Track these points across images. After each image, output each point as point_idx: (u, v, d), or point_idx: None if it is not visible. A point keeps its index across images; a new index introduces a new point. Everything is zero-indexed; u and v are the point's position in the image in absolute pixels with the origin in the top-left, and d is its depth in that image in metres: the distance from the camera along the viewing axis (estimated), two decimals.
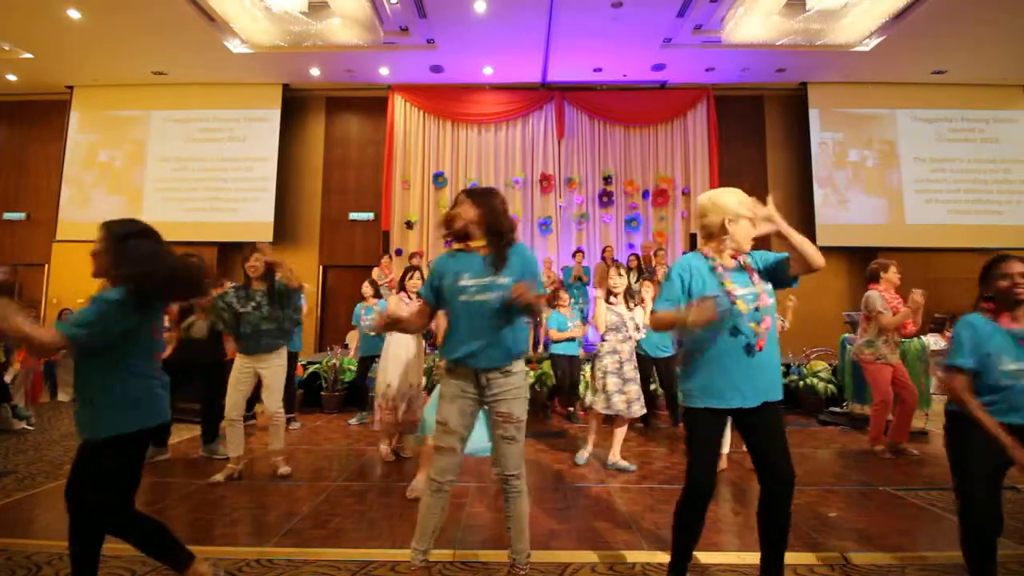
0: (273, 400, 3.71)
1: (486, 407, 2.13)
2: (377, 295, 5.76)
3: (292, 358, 5.58)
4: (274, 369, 3.71)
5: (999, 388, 1.94)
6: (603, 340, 4.04)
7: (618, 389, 3.89)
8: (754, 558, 2.43)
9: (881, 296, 4.36)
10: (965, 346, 1.99)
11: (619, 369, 3.93)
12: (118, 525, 1.94)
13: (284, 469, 3.74)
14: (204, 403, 4.38)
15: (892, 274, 4.42)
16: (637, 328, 4.06)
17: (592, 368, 4.10)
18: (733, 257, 2.07)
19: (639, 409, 3.91)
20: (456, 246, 2.18)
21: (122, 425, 1.88)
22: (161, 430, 4.18)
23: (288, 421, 5.48)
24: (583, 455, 4.15)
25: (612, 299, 4.07)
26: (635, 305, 4.12)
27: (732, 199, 2.06)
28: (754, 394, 1.93)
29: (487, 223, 2.15)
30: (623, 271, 4.12)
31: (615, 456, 3.98)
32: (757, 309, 1.96)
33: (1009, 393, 1.92)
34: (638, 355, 4.93)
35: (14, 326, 1.70)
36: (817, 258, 1.88)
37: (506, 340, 2.06)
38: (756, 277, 2.02)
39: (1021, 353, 1.94)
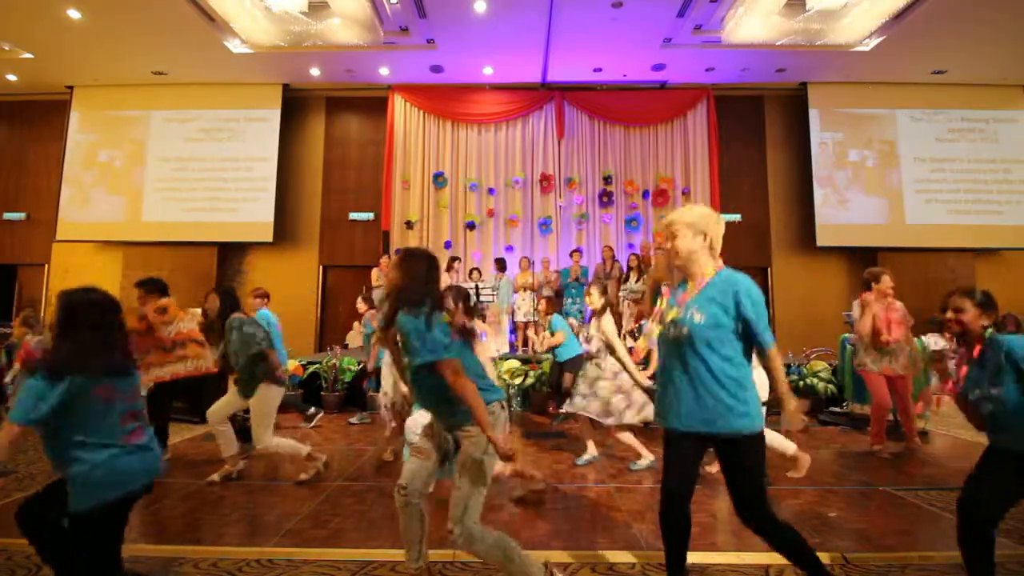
0: (257, 438, 3.55)
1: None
2: (372, 307, 5.76)
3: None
4: (255, 406, 3.55)
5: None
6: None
7: (583, 395, 4.00)
8: (754, 558, 2.43)
9: (859, 305, 4.42)
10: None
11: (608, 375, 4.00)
12: None
13: (302, 476, 3.65)
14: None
15: (884, 284, 4.41)
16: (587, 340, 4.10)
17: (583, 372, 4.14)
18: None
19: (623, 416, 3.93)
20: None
21: (86, 502, 1.80)
22: (161, 434, 4.19)
23: (306, 419, 5.60)
24: (584, 457, 4.14)
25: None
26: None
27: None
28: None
29: (400, 294, 2.03)
30: (599, 292, 4.13)
31: (642, 451, 4.04)
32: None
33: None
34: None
35: None
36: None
37: (456, 409, 2.02)
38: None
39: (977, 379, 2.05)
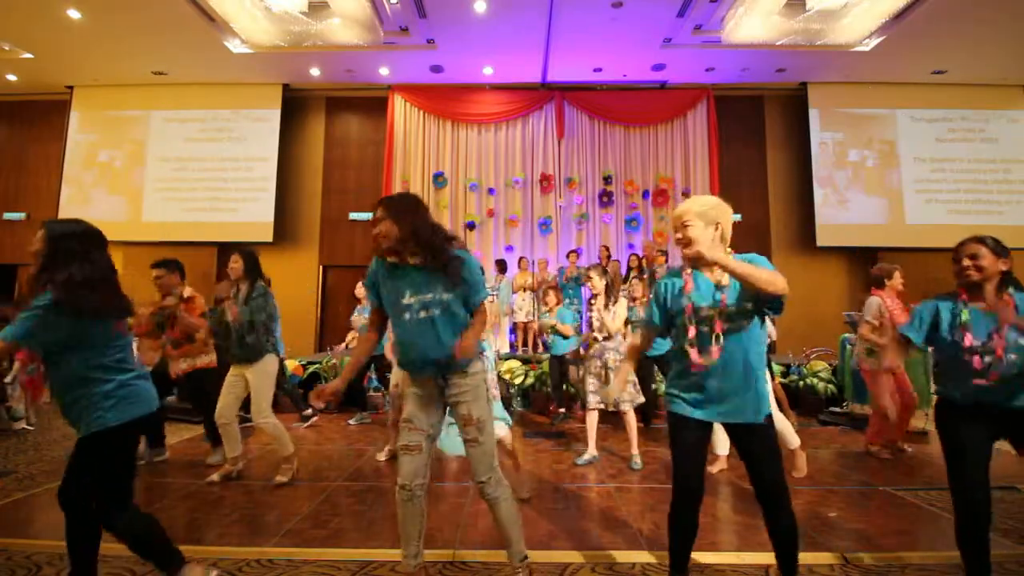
0: (255, 407, 3.56)
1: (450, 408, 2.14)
2: None
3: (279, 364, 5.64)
4: (257, 376, 3.58)
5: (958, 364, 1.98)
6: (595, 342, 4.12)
7: (595, 389, 4.06)
8: (754, 558, 2.43)
9: (880, 304, 4.31)
10: (916, 318, 2.15)
11: (601, 371, 4.06)
12: (118, 520, 1.94)
13: (278, 479, 3.59)
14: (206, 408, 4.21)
15: (896, 280, 4.38)
16: (600, 330, 4.12)
17: (583, 369, 4.15)
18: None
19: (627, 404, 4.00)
20: (390, 259, 2.08)
21: (109, 420, 1.87)
22: (156, 430, 4.17)
23: (303, 418, 5.59)
24: (584, 457, 4.15)
25: (593, 300, 4.14)
26: (613, 304, 4.15)
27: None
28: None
29: (417, 239, 2.01)
30: (599, 273, 4.14)
31: (632, 450, 4.09)
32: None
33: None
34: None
35: None
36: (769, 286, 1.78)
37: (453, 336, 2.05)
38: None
39: (980, 330, 1.96)
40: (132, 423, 1.94)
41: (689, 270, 2.01)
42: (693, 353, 1.91)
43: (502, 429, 3.12)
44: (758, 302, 1.88)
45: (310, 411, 5.70)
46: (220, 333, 3.66)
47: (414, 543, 2.07)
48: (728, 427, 1.96)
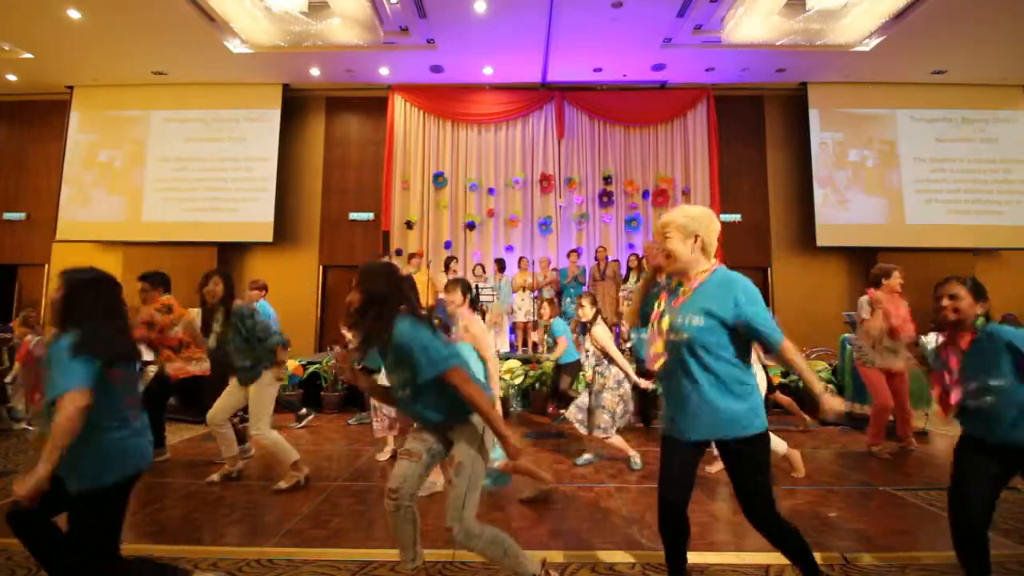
0: (252, 422, 3.54)
1: None
2: None
3: None
4: (256, 391, 3.55)
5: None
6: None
7: (579, 404, 4.07)
8: (754, 558, 2.43)
9: (869, 301, 4.37)
10: None
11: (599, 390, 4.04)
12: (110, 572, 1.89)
13: (279, 484, 3.54)
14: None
15: (895, 280, 4.40)
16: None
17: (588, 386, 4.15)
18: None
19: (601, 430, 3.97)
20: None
21: (95, 479, 1.81)
22: (157, 431, 4.17)
23: (298, 419, 5.59)
24: (584, 456, 4.16)
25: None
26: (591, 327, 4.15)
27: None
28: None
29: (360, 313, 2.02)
30: (590, 302, 4.14)
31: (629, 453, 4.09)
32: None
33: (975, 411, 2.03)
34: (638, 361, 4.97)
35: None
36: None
37: (438, 413, 2.05)
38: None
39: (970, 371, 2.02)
40: (125, 480, 1.88)
41: (668, 279, 2.03)
42: (650, 356, 1.94)
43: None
44: (733, 330, 1.85)
45: (304, 411, 5.69)
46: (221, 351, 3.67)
47: (410, 549, 2.07)
48: (703, 443, 1.95)
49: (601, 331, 4.05)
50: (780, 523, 1.88)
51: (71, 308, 1.87)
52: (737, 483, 1.91)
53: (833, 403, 1.85)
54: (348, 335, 4.64)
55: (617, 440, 4.00)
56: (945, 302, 2.06)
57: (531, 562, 2.02)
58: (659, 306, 2.00)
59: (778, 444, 3.66)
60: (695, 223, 1.93)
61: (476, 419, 2.04)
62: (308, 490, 3.48)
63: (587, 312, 4.12)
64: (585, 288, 8.24)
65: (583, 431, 4.04)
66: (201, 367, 4.17)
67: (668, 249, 1.94)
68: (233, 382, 3.65)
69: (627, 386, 4.01)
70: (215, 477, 3.63)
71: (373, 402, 4.16)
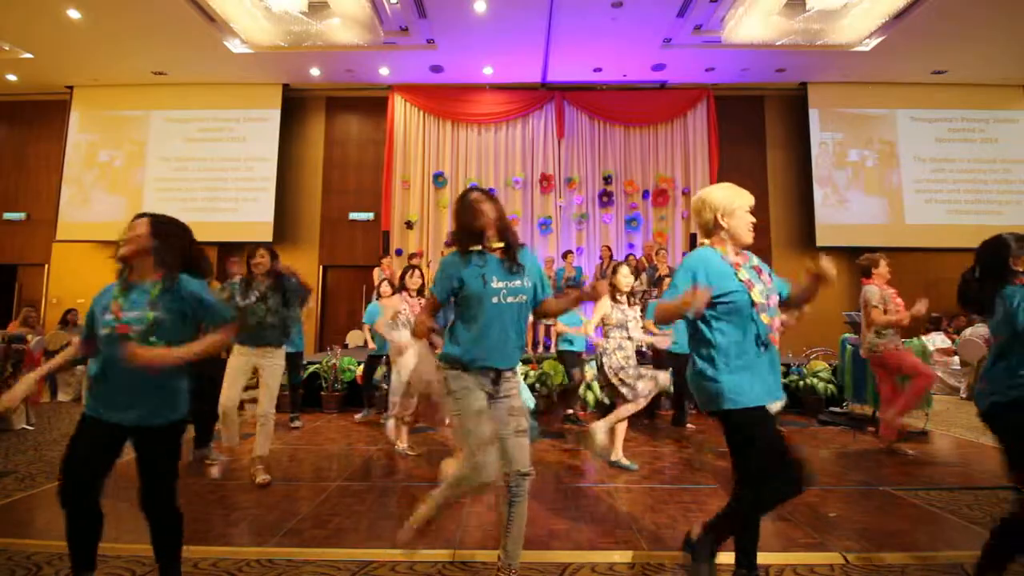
0: (268, 399, 3.59)
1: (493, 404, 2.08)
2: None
3: (296, 358, 5.57)
4: (273, 367, 3.63)
5: None
6: (608, 338, 4.03)
7: (637, 376, 3.90)
8: (763, 558, 2.43)
9: (879, 290, 4.32)
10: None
11: (628, 362, 3.96)
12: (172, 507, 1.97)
13: (262, 478, 3.53)
14: (198, 401, 4.19)
15: (883, 268, 4.40)
16: (637, 326, 4.06)
17: (600, 367, 4.06)
18: (736, 253, 2.09)
19: (645, 394, 3.94)
20: (473, 247, 2.07)
21: (183, 412, 1.97)
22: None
23: (291, 420, 5.52)
24: (618, 458, 4.01)
25: (618, 297, 4.06)
26: (636, 304, 4.13)
27: (722, 194, 2.10)
28: (776, 390, 1.97)
29: (501, 226, 2.10)
30: (630, 271, 4.12)
31: (618, 454, 3.98)
32: (769, 304, 2.00)
33: None
34: (658, 352, 4.95)
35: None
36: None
37: (523, 339, 2.13)
38: (766, 276, 2.04)
39: None
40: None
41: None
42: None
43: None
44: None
45: (299, 422, 5.51)
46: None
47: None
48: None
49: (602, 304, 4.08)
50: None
51: (179, 252, 2.07)
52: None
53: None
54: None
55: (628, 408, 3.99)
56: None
57: None
58: (752, 289, 2.04)
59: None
60: (697, 203, 2.26)
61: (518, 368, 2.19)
62: (308, 490, 3.48)
63: (623, 282, 4.01)
64: (584, 286, 8.23)
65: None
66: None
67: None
68: (240, 361, 3.59)
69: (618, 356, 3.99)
70: (215, 473, 3.62)
71: (393, 398, 4.16)
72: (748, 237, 2.09)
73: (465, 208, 2.08)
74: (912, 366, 4.30)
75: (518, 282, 2.05)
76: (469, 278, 2.02)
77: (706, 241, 2.12)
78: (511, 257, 2.07)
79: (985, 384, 1.96)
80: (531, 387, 6.51)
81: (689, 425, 5.29)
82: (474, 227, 2.05)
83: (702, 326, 1.98)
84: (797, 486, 1.84)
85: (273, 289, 3.61)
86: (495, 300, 2.01)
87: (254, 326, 3.56)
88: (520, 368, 6.52)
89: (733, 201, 2.05)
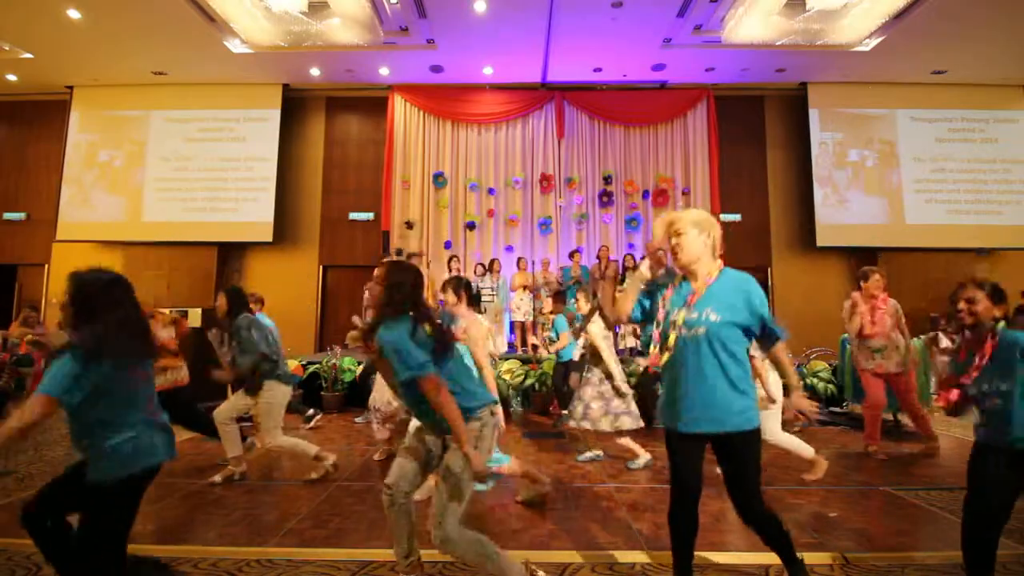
0: (265, 440, 3.61)
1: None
2: None
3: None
4: (262, 406, 3.61)
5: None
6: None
7: (598, 406, 3.98)
8: (754, 558, 2.43)
9: (850, 305, 4.49)
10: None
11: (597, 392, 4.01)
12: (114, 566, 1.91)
13: (313, 475, 3.63)
14: (196, 426, 4.18)
15: (871, 283, 4.43)
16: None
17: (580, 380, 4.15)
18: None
19: (625, 422, 3.95)
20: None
21: (121, 469, 1.86)
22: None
23: (306, 420, 5.61)
24: (587, 454, 4.16)
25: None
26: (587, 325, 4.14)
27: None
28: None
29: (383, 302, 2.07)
30: (585, 297, 4.16)
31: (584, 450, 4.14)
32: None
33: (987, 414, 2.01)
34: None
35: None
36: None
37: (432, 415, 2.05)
38: None
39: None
40: (135, 476, 1.90)
41: (679, 277, 2.06)
42: (653, 354, 1.97)
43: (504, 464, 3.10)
44: (747, 328, 1.94)
45: (311, 411, 5.73)
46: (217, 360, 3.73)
47: (403, 543, 2.09)
48: (708, 436, 1.94)
49: (596, 328, 4.03)
50: (770, 514, 1.96)
51: (88, 310, 1.89)
52: (734, 476, 1.95)
53: (802, 403, 2.00)
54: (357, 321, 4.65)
55: (624, 440, 4.01)
56: (962, 305, 2.08)
57: (514, 565, 2.02)
58: (663, 304, 2.02)
59: (805, 449, 3.62)
60: (707, 221, 2.03)
61: (471, 426, 2.04)
62: (308, 490, 3.49)
63: (583, 306, 4.13)
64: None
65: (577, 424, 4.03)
66: (170, 379, 4.08)
67: (681, 244, 1.99)
68: (234, 398, 3.73)
69: (608, 385, 3.97)
70: (217, 478, 3.63)
71: (370, 401, 4.18)
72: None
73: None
74: (867, 390, 4.40)
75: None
76: None
77: (719, 261, 2.05)
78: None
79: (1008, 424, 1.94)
80: (531, 387, 6.51)
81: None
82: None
83: (740, 349, 1.97)
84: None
85: (232, 335, 3.60)
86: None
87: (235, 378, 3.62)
88: (518, 367, 6.55)
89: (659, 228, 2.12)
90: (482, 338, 3.16)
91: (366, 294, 8.30)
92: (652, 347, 1.95)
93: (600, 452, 4.19)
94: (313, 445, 3.71)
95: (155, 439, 1.96)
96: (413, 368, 1.93)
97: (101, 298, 1.91)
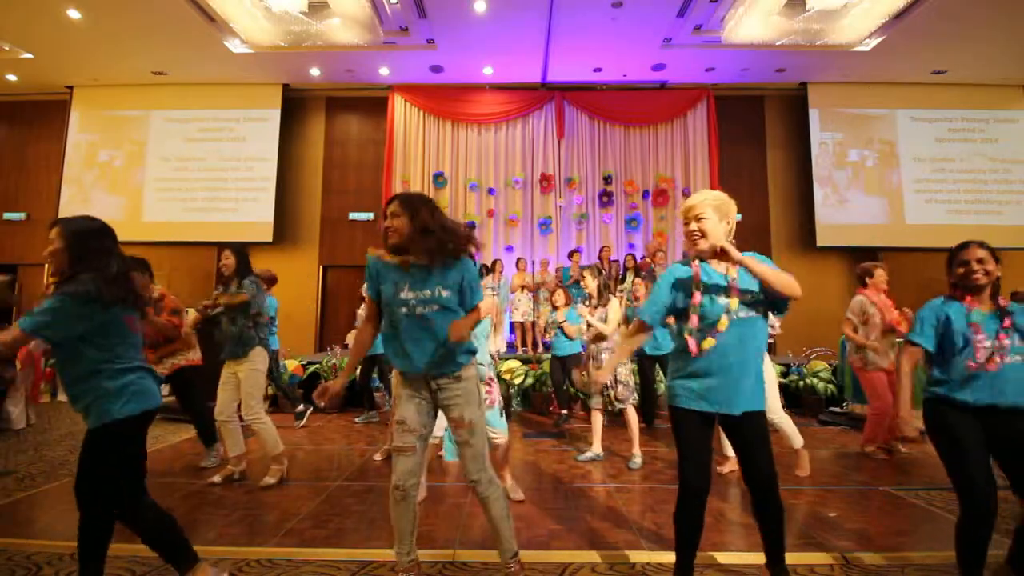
0: (248, 407, 3.56)
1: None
2: None
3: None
4: (247, 373, 3.57)
5: (959, 369, 2.01)
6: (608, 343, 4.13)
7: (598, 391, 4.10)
8: (754, 558, 2.43)
9: (863, 302, 4.36)
10: (925, 325, 2.12)
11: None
12: (131, 510, 1.98)
13: (269, 479, 3.55)
14: (193, 407, 4.16)
15: (879, 278, 4.40)
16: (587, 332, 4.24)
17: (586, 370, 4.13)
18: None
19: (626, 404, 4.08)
20: (390, 258, 2.13)
21: (116, 413, 1.92)
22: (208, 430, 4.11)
23: (298, 416, 5.56)
24: (587, 454, 4.16)
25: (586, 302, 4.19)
26: (604, 306, 4.17)
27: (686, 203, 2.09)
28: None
29: (420, 234, 2.06)
30: (592, 274, 4.20)
31: (597, 448, 4.17)
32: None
33: (987, 375, 1.97)
34: (639, 355, 5.01)
35: None
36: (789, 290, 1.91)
37: (451, 350, 2.08)
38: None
39: (991, 333, 2.00)
40: (140, 416, 1.99)
41: (697, 261, 2.04)
42: (691, 342, 1.95)
43: (500, 438, 3.14)
44: (766, 300, 1.97)
45: (302, 407, 5.65)
46: (213, 329, 3.66)
47: (407, 540, 2.11)
48: (724, 418, 1.98)
49: (613, 312, 4.10)
50: (781, 502, 2.01)
51: (83, 255, 1.92)
52: (754, 454, 1.98)
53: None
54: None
55: (633, 416, 4.10)
56: (975, 266, 2.06)
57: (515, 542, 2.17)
58: (698, 288, 1.97)
59: (797, 437, 3.69)
60: (727, 206, 2.03)
61: (471, 373, 2.15)
62: (308, 490, 3.49)
63: (589, 284, 4.15)
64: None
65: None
66: (193, 356, 4.11)
67: (704, 229, 1.99)
68: (225, 373, 3.62)
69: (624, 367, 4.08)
70: (217, 479, 3.62)
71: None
72: (691, 245, 2.11)
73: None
74: (875, 393, 4.30)
75: (428, 292, 2.05)
76: (385, 282, 2.12)
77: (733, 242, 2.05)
78: (437, 266, 2.07)
79: None
80: (531, 387, 6.51)
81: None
82: (388, 243, 2.12)
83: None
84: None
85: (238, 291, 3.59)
86: (404, 311, 2.06)
87: (220, 339, 3.58)
88: (518, 367, 6.55)
89: (683, 210, 2.09)
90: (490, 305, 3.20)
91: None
92: (687, 334, 1.89)
93: (600, 452, 4.20)
94: (281, 445, 3.62)
95: (151, 384, 2.06)
96: (479, 294, 2.19)
97: (94, 243, 1.96)
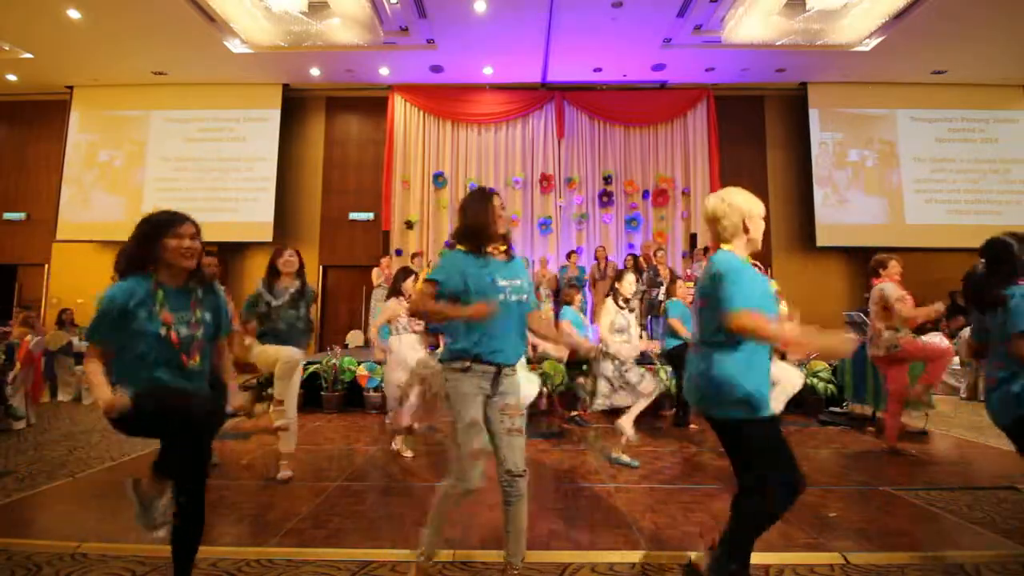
0: (292, 400, 3.64)
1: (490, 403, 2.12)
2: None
3: None
4: (283, 365, 3.59)
5: None
6: (610, 341, 4.10)
7: (640, 377, 4.05)
8: (754, 558, 2.43)
9: (894, 286, 4.32)
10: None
11: (617, 374, 4.03)
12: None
13: (285, 473, 3.63)
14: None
15: (892, 268, 4.41)
16: (637, 330, 4.15)
17: (590, 370, 4.13)
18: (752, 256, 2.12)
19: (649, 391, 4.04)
20: (463, 247, 2.14)
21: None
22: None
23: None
24: (623, 459, 4.02)
25: (621, 303, 4.14)
26: (634, 308, 4.19)
27: (745, 198, 2.07)
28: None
29: (508, 231, 2.23)
30: (634, 276, 4.21)
31: (619, 451, 4.03)
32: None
33: None
34: (668, 354, 4.95)
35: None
36: None
37: (524, 338, 2.19)
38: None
39: None
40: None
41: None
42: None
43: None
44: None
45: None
46: (262, 317, 3.65)
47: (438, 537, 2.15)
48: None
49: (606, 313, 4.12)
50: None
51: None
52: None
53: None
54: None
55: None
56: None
57: None
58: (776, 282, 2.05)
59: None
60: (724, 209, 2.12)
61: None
62: (308, 490, 3.48)
63: (626, 287, 4.19)
64: (585, 287, 8.22)
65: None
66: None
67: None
68: (281, 367, 3.57)
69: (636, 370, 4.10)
70: (287, 474, 3.62)
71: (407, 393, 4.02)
72: (760, 243, 2.10)
73: (485, 210, 2.11)
74: (933, 348, 4.30)
75: (518, 282, 2.12)
76: (476, 277, 2.06)
77: (727, 246, 2.05)
78: (510, 259, 2.18)
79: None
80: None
81: (692, 426, 5.28)
82: (490, 231, 2.10)
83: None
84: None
85: (300, 292, 3.68)
86: (501, 298, 2.05)
87: (286, 330, 3.59)
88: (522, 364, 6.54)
89: (755, 207, 2.06)
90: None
91: (375, 273, 8.03)
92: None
93: (637, 461, 4.01)
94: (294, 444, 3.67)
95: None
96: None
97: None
